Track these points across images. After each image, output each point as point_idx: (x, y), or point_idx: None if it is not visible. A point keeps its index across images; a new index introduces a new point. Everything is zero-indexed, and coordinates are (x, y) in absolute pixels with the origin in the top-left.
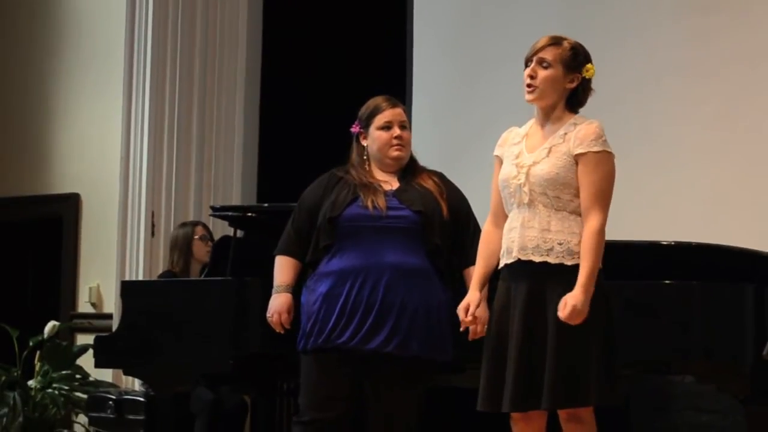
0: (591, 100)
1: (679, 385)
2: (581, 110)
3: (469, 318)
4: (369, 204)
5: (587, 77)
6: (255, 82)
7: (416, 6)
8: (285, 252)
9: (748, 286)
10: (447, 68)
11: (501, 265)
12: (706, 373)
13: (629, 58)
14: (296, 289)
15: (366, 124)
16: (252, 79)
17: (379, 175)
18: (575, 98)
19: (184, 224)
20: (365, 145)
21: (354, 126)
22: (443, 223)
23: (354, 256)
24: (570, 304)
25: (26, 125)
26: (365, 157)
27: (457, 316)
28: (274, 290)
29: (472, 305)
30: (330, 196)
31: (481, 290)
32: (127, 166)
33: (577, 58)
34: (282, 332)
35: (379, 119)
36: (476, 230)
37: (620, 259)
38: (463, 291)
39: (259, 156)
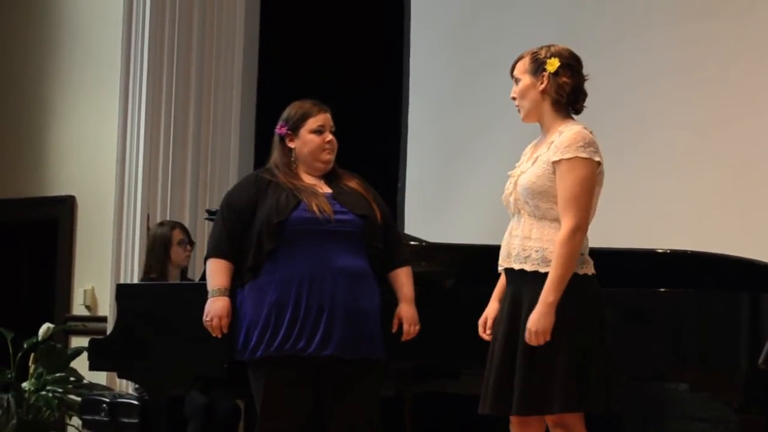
0: (585, 103)
1: (674, 392)
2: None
3: (488, 332)
4: (315, 208)
5: (551, 71)
6: (252, 83)
7: (414, 8)
8: (219, 255)
9: (743, 295)
10: (444, 70)
11: None
12: (700, 381)
13: (625, 62)
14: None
15: (295, 127)
16: (249, 80)
17: (307, 178)
18: (561, 101)
19: (161, 224)
20: (292, 147)
21: (279, 127)
22: (378, 227)
23: (301, 261)
24: (527, 329)
25: (22, 127)
26: (292, 160)
27: (385, 316)
28: (210, 294)
29: (489, 319)
30: (265, 199)
31: (500, 301)
32: (123, 168)
33: (537, 61)
34: (219, 336)
35: (312, 123)
36: (398, 233)
37: (616, 266)
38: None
39: (255, 158)
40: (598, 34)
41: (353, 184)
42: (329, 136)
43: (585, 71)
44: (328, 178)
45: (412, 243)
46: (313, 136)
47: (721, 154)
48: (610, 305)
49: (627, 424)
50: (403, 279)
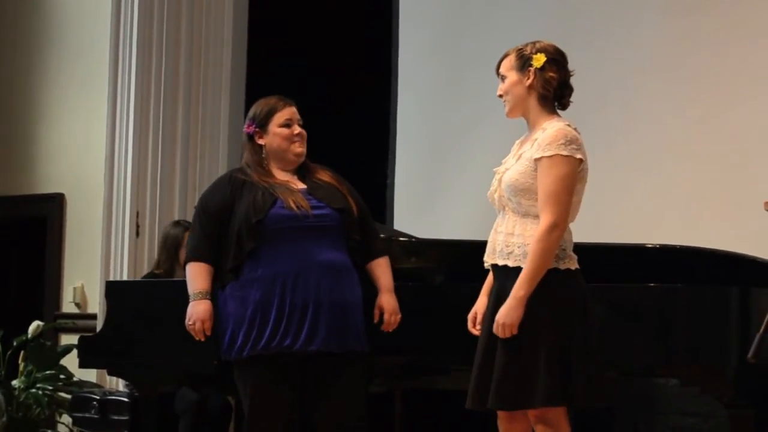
0: (574, 99)
1: (663, 388)
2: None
3: (477, 328)
4: (292, 205)
5: (537, 66)
6: (240, 82)
7: (402, 6)
8: (200, 258)
9: (732, 289)
10: (432, 67)
11: None
12: (690, 376)
13: (614, 58)
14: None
15: (263, 123)
16: (237, 78)
17: (280, 175)
18: (547, 96)
19: (177, 223)
20: (262, 144)
21: (248, 126)
22: (355, 219)
23: (283, 258)
24: (495, 321)
25: (11, 125)
26: (263, 157)
27: (368, 309)
28: (192, 297)
29: (479, 314)
30: (241, 199)
31: (488, 296)
32: (112, 166)
33: (522, 57)
34: (203, 340)
35: (279, 117)
36: (374, 224)
37: (605, 261)
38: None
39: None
40: (586, 31)
41: (326, 177)
42: (298, 129)
43: (572, 66)
44: (301, 173)
45: (401, 239)
46: (282, 130)
47: (710, 149)
48: (599, 301)
49: (617, 420)
50: (382, 269)
